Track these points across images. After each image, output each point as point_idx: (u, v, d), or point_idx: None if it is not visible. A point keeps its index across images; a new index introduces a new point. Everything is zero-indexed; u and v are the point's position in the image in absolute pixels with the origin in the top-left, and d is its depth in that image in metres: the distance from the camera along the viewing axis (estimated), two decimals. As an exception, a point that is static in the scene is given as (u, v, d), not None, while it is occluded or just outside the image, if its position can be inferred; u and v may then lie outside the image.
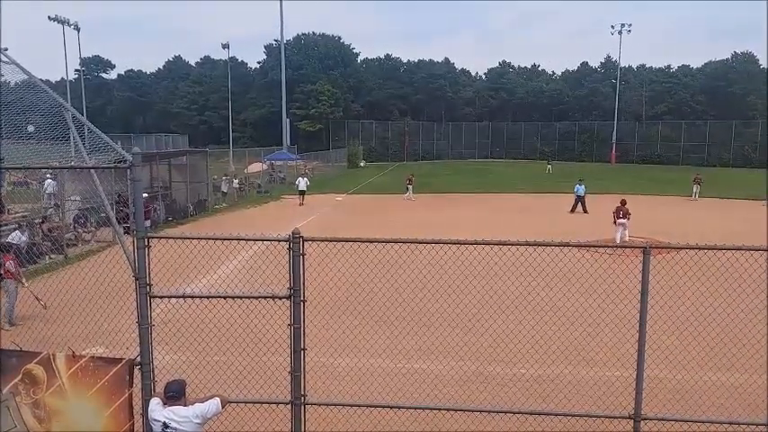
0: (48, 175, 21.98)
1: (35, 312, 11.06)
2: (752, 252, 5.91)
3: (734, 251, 5.87)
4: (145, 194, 19.65)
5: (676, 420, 6.42)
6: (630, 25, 76.59)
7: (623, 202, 21.58)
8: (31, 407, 5.72)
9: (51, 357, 5.71)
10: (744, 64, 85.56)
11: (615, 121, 79.68)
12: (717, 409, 7.13)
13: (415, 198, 35.65)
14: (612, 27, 77.94)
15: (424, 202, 34.73)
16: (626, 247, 16.43)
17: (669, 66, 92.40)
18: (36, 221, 18.70)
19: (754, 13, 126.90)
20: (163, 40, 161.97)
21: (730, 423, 6.21)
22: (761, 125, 75.16)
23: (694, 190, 36.31)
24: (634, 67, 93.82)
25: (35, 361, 5.71)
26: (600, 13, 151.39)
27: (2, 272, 11.09)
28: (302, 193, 34.15)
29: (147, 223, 17.05)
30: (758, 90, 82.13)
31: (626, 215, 20.98)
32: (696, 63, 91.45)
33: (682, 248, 6.48)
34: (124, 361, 5.71)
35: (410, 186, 36.50)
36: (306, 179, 35.74)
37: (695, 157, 73.67)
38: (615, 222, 21.02)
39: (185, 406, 5.11)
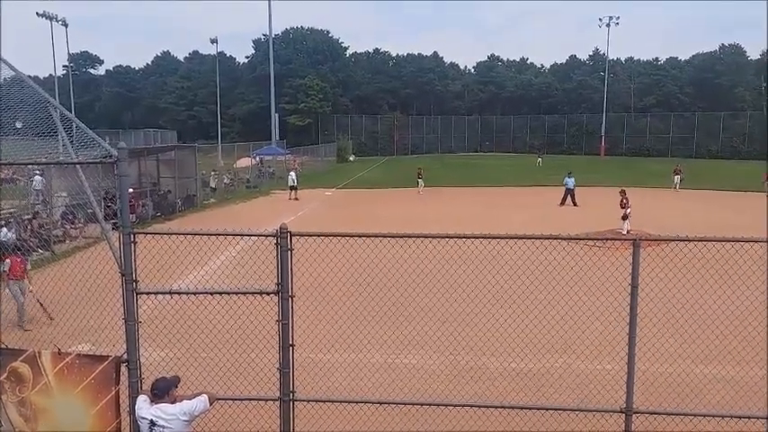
0: (36, 172, 21.74)
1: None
2: (741, 243, 5.90)
3: (723, 243, 5.86)
4: (130, 190, 19.45)
5: (668, 414, 6.42)
6: (618, 18, 76.96)
7: (623, 192, 21.79)
8: (16, 405, 5.64)
9: (37, 355, 5.63)
10: (731, 56, 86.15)
11: (604, 114, 79.96)
12: (708, 401, 7.15)
13: (422, 192, 35.96)
14: (600, 20, 78.00)
15: (415, 196, 34.69)
16: (615, 239, 16.52)
17: (657, 58, 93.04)
18: (25, 218, 18.49)
19: (750, 12, 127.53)
20: (151, 35, 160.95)
21: (722, 416, 6.21)
22: (748, 116, 75.83)
23: (675, 181, 37.07)
24: (622, 59, 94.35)
25: (20, 359, 5.63)
26: (590, 6, 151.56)
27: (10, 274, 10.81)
28: (293, 188, 34.27)
29: (132, 217, 16.95)
30: (746, 82, 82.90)
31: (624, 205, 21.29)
32: (685, 55, 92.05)
33: (671, 240, 6.48)
34: (111, 358, 5.64)
35: (420, 180, 36.83)
36: (293, 174, 35.77)
37: (684, 149, 74.31)
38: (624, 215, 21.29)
39: (173, 403, 5.04)
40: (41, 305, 10.87)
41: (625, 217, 21.18)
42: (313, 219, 24.75)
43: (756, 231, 8.68)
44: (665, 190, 36.70)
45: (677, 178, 37.30)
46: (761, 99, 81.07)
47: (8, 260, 10.87)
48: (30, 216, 18.61)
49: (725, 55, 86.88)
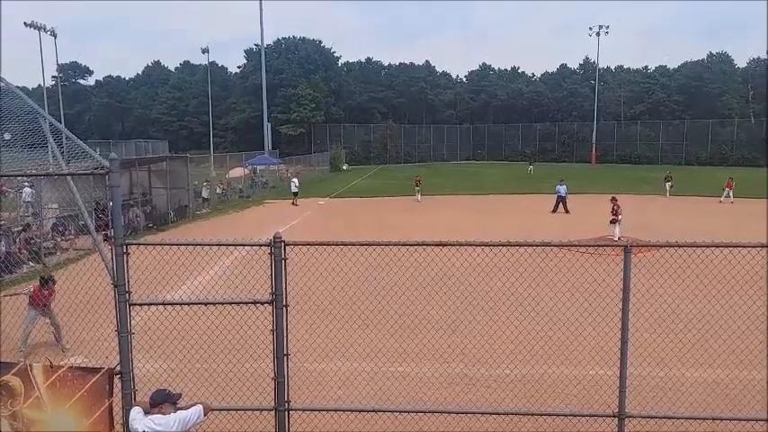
0: (25, 183, 21.61)
1: (12, 322, 10.80)
2: (730, 249, 5.97)
3: (713, 248, 5.93)
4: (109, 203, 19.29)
5: (660, 417, 6.47)
6: (608, 27, 77.83)
7: (614, 200, 21.92)
8: (8, 419, 5.59)
9: (28, 368, 5.59)
10: (719, 64, 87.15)
11: (595, 122, 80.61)
12: (699, 405, 7.20)
13: (421, 199, 36.25)
14: (590, 29, 78.89)
15: (408, 204, 34.71)
16: (607, 245, 16.66)
17: (646, 66, 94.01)
18: (15, 230, 18.36)
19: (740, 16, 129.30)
20: (141, 45, 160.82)
21: (713, 419, 6.27)
22: (736, 124, 76.77)
23: (667, 188, 37.32)
24: (612, 68, 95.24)
25: (12, 372, 5.58)
26: (581, 13, 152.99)
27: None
28: (295, 194, 36.08)
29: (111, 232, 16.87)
30: (733, 89, 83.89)
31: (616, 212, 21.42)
32: (673, 63, 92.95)
33: (662, 246, 6.53)
34: (103, 370, 5.61)
35: (418, 188, 37.14)
36: (296, 181, 37.75)
37: (673, 156, 75.05)
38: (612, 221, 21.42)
39: (166, 414, 5.02)
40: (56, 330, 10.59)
41: (613, 221, 21.34)
42: (307, 228, 24.73)
43: (744, 236, 8.77)
44: (657, 197, 36.95)
45: (668, 185, 37.68)
46: (748, 107, 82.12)
47: (31, 286, 10.59)
48: (20, 228, 18.48)
49: (713, 63, 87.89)
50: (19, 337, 10.04)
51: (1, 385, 5.57)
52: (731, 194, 34.17)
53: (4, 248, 16.32)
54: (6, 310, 10.39)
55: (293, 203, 35.26)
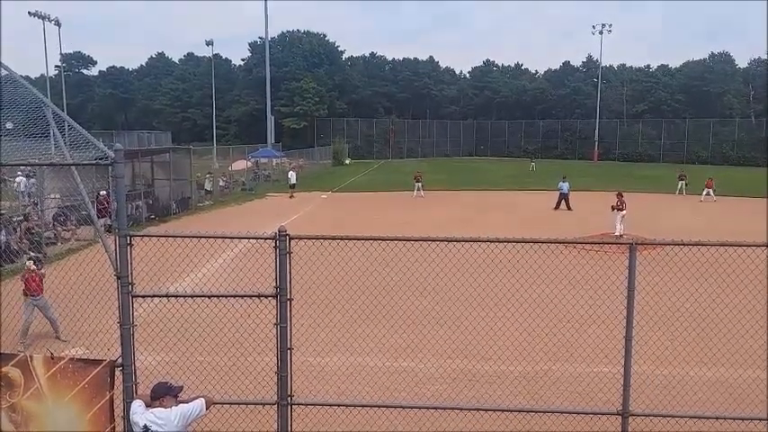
0: (18, 173, 21.45)
1: (12, 313, 10.80)
2: (735, 248, 5.92)
3: (718, 247, 5.88)
4: (103, 192, 19.23)
5: (663, 416, 6.44)
6: (611, 26, 77.62)
7: (619, 195, 21.86)
8: (7, 411, 5.55)
9: (29, 359, 5.55)
10: (720, 64, 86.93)
11: (597, 120, 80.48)
12: (703, 403, 7.17)
13: (424, 195, 36.10)
14: (594, 27, 78.74)
15: (409, 200, 34.65)
16: (612, 243, 16.65)
17: (649, 65, 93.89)
18: (16, 220, 18.32)
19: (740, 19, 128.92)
20: (146, 37, 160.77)
21: (716, 418, 6.23)
22: (737, 124, 76.72)
23: (679, 186, 37.35)
24: (615, 66, 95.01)
25: (12, 363, 5.54)
26: (583, 12, 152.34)
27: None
28: (292, 186, 36.72)
29: (106, 220, 16.92)
30: (734, 89, 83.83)
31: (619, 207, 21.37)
32: (676, 63, 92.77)
33: (667, 245, 6.48)
34: (105, 362, 5.56)
35: (418, 184, 37.08)
36: (294, 173, 38.51)
37: (674, 155, 75.04)
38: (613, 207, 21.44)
39: (168, 408, 4.98)
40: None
41: (614, 208, 21.30)
42: (309, 221, 24.69)
43: (748, 235, 8.73)
44: (666, 195, 36.73)
45: (681, 183, 37.56)
46: (748, 106, 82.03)
47: (24, 272, 10.42)
48: (20, 218, 18.42)
49: (714, 63, 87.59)
50: (19, 328, 10.01)
51: (0, 377, 5.53)
52: (712, 193, 34.32)
53: (3, 238, 16.28)
54: (7, 300, 10.38)
55: (290, 196, 35.58)
